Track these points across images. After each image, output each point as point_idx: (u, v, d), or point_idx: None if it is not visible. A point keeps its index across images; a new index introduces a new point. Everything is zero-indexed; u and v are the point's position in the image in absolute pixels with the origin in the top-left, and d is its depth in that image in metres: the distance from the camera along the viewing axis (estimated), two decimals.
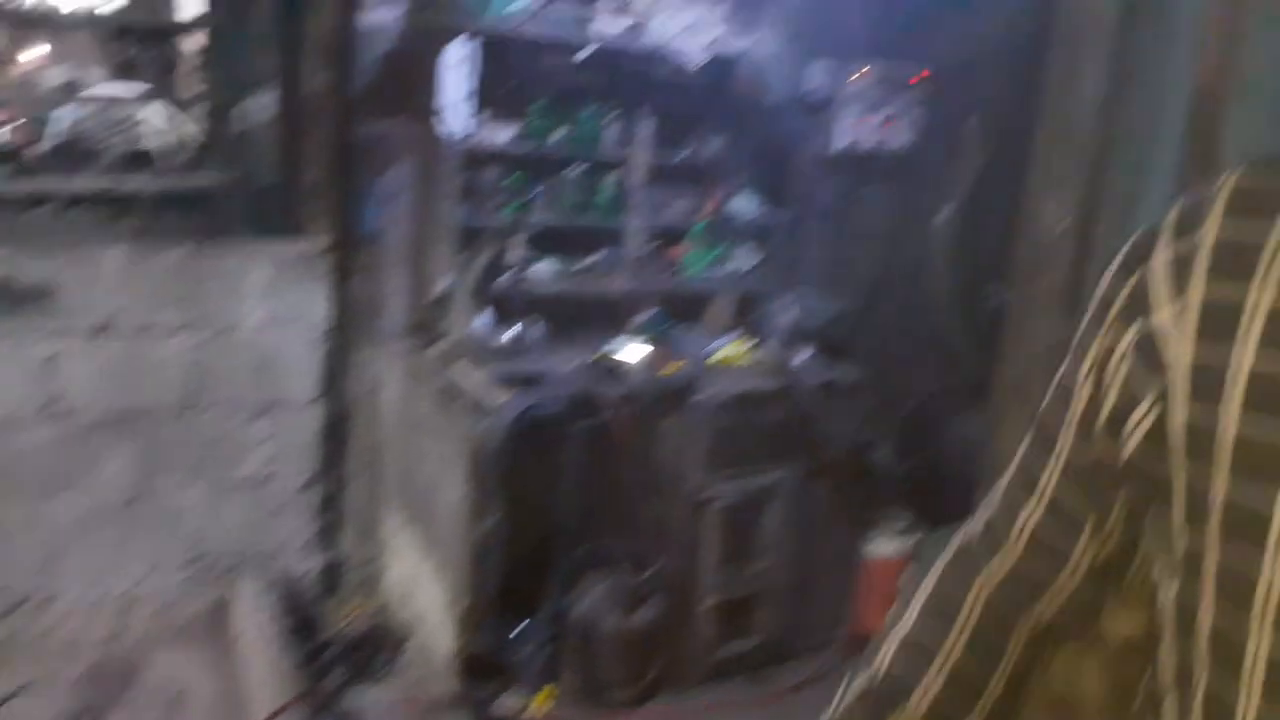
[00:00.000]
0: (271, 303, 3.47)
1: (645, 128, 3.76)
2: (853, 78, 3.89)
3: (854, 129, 3.95)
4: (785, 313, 3.56)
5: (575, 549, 3.24)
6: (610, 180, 3.85)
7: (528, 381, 3.23)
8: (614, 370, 3.37)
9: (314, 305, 3.52)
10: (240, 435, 3.48)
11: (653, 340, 3.72)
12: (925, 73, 4.05)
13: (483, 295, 3.50)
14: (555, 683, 3.39)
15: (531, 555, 3.31)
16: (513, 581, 3.25)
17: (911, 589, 1.02)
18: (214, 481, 3.48)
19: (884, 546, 3.75)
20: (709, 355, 3.68)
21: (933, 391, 4.24)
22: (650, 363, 3.47)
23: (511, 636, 3.28)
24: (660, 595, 3.40)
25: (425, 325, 3.74)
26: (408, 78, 3.55)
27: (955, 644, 0.87)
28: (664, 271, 3.94)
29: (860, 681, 0.91)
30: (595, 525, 3.39)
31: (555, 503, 3.19)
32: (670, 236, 3.99)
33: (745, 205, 3.94)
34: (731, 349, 3.66)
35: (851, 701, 0.91)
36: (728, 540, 3.46)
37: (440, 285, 3.65)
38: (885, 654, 0.91)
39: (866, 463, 3.74)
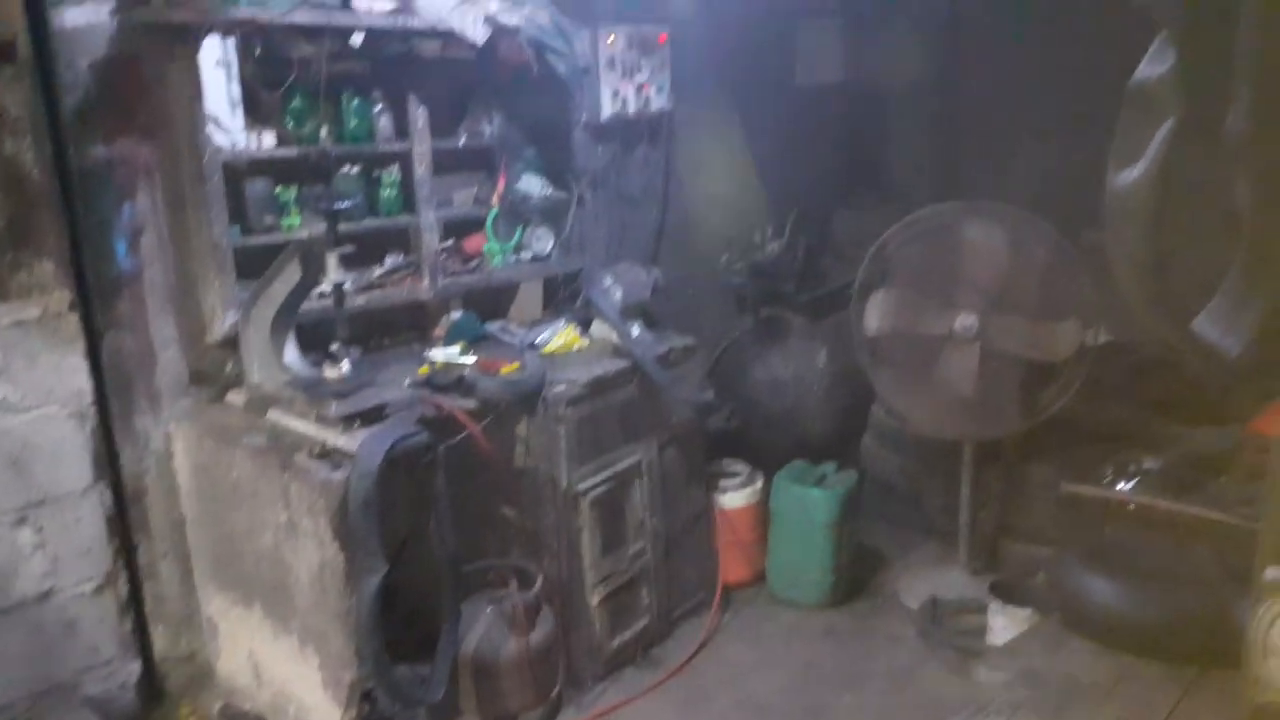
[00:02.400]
0: (4, 386, 2.58)
1: (420, 115, 3.21)
2: (607, 42, 3.61)
3: (618, 93, 3.69)
4: (609, 291, 3.22)
5: (458, 580, 2.75)
6: (391, 176, 3.26)
7: (371, 416, 2.66)
8: (457, 382, 2.87)
9: (63, 377, 2.68)
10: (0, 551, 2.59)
11: (470, 343, 3.26)
12: (664, 34, 3.86)
13: (285, 326, 2.83)
14: None
15: (410, 593, 2.78)
16: (395, 628, 2.71)
17: None
18: None
19: (733, 498, 3.62)
20: (540, 347, 3.27)
21: (734, 338, 4.16)
22: (485, 366, 3.01)
23: (403, 692, 2.73)
24: (550, 605, 3.02)
25: (212, 373, 2.99)
26: (137, 86, 2.74)
27: None
28: (464, 266, 3.44)
29: None
30: (471, 545, 2.92)
31: (429, 535, 2.67)
32: (464, 229, 3.49)
33: (532, 185, 3.54)
34: (562, 337, 3.29)
35: None
36: (603, 531, 3.14)
37: (225, 322, 2.91)
38: None
39: (705, 422, 3.56)
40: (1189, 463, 3.13)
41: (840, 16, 4.59)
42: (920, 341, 3.34)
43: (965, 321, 3.26)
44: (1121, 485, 3.01)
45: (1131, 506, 2.88)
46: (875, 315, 3.40)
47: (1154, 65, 1.61)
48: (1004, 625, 3.05)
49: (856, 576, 3.70)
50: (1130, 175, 1.70)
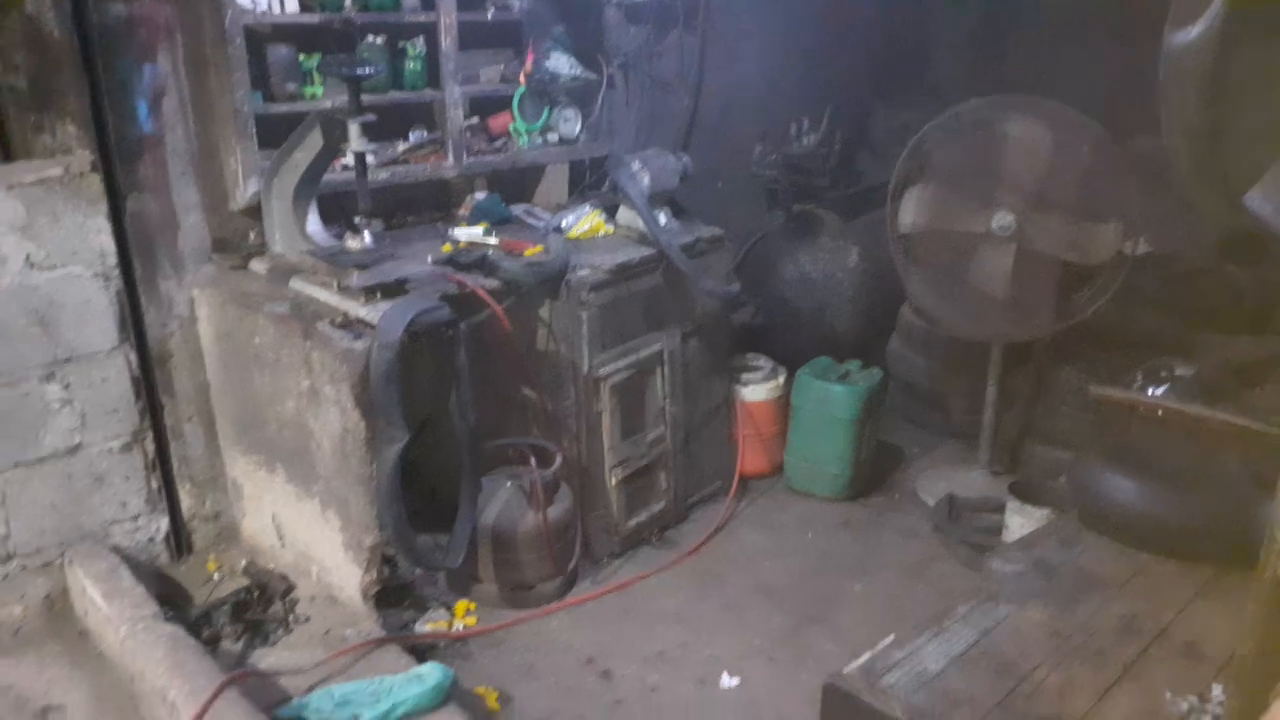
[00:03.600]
0: (29, 244, 2.56)
1: None
2: None
3: None
4: (636, 177, 3.13)
5: (478, 454, 2.76)
6: (416, 48, 3.15)
7: (392, 289, 2.63)
8: (480, 261, 2.83)
9: (87, 237, 2.67)
10: (28, 405, 2.62)
11: (494, 224, 3.20)
12: None
13: (307, 195, 2.78)
14: (470, 592, 2.97)
15: (433, 469, 2.81)
16: (416, 500, 2.74)
17: None
18: (7, 465, 2.62)
19: (755, 391, 3.59)
20: (565, 231, 3.21)
21: (764, 233, 4.07)
22: (509, 248, 2.96)
23: (423, 557, 2.78)
24: (568, 484, 3.03)
25: (235, 241, 2.97)
26: None
27: None
28: (490, 143, 3.35)
29: None
30: (492, 424, 2.93)
31: (450, 411, 2.67)
32: (489, 107, 3.39)
33: (561, 64, 3.41)
34: (587, 222, 3.22)
35: None
36: (623, 416, 3.13)
37: (247, 190, 2.87)
38: None
39: (730, 316, 3.51)
40: (1224, 371, 3.04)
41: None
42: (955, 240, 3.23)
43: (1003, 220, 3.15)
44: (1152, 391, 2.93)
45: (1160, 412, 2.81)
46: (910, 212, 3.29)
47: None
48: (1021, 524, 3.03)
49: (875, 473, 3.69)
50: (1188, 35, 1.58)
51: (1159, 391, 2.90)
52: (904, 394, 3.95)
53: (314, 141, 2.71)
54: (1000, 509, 3.16)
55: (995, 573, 2.38)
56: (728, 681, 2.70)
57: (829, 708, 2.01)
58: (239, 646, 2.64)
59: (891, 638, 2.12)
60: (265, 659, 2.59)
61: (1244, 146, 1.61)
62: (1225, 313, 3.37)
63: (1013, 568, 2.36)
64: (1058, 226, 3.11)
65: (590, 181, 3.60)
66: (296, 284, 2.81)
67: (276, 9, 2.89)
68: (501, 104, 3.45)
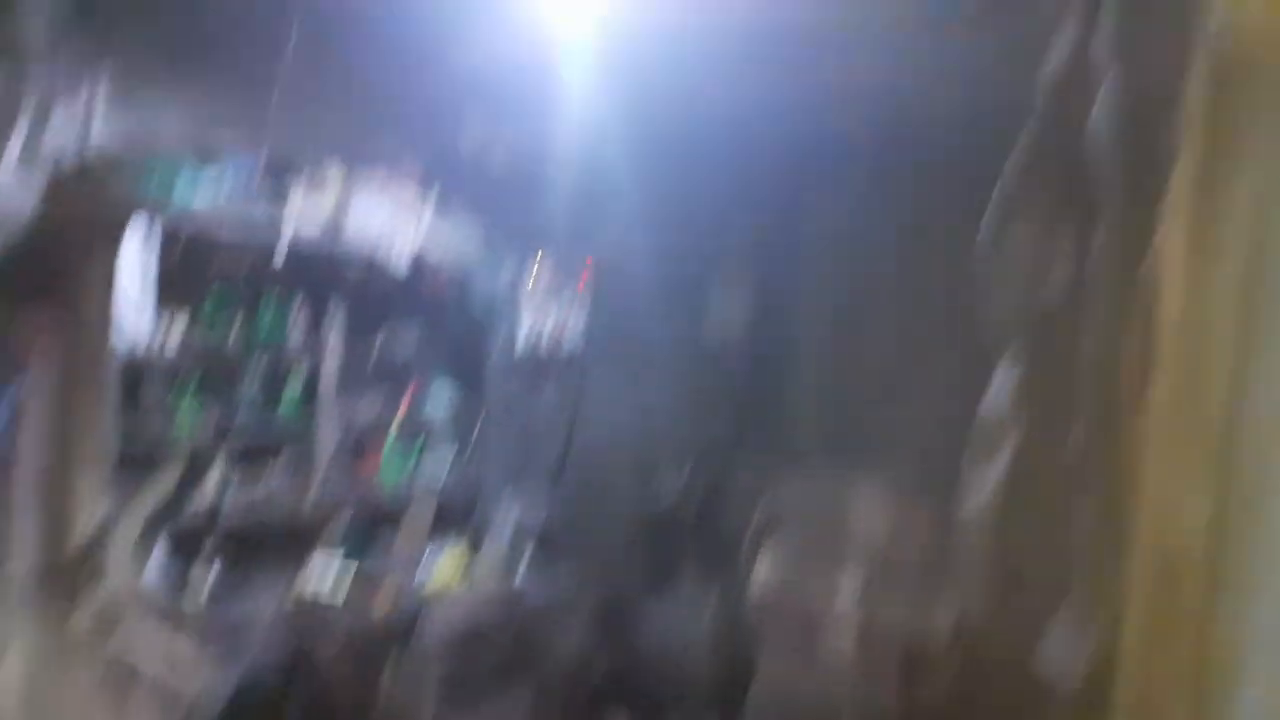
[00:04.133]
0: None
1: (337, 324, 3.24)
2: (532, 274, 3.77)
3: (535, 323, 3.81)
4: (503, 518, 3.17)
5: None
6: (297, 380, 3.24)
7: (225, 641, 2.50)
8: (323, 615, 2.74)
9: None
10: None
11: (354, 563, 3.14)
12: (587, 271, 4.05)
13: (155, 533, 2.70)
14: None
15: None
16: None
17: None
18: None
19: None
20: (425, 573, 3.16)
21: (623, 584, 4.08)
22: (359, 596, 2.89)
23: None
24: None
25: (70, 576, 2.79)
26: (51, 270, 2.72)
27: None
28: (360, 479, 3.37)
29: None
30: None
31: None
32: (364, 439, 3.44)
33: (440, 402, 3.55)
34: (447, 566, 3.19)
35: None
36: None
37: (92, 522, 2.75)
38: None
39: (591, 670, 3.42)
40: None
41: (753, 275, 4.85)
42: (802, 607, 3.31)
43: (848, 588, 3.27)
44: None
45: None
46: (762, 572, 3.39)
47: (998, 392, 1.73)
48: None
49: None
50: (976, 499, 1.78)
51: None
52: None
53: (173, 477, 2.67)
54: None
55: None
56: None
57: None
58: None
59: None
60: None
61: (1035, 600, 1.76)
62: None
63: None
64: (901, 598, 3.23)
65: (456, 520, 3.60)
66: (125, 626, 2.62)
67: (159, 340, 2.94)
68: (376, 439, 3.50)
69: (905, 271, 3.83)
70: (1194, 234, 1.12)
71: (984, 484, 1.72)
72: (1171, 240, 1.15)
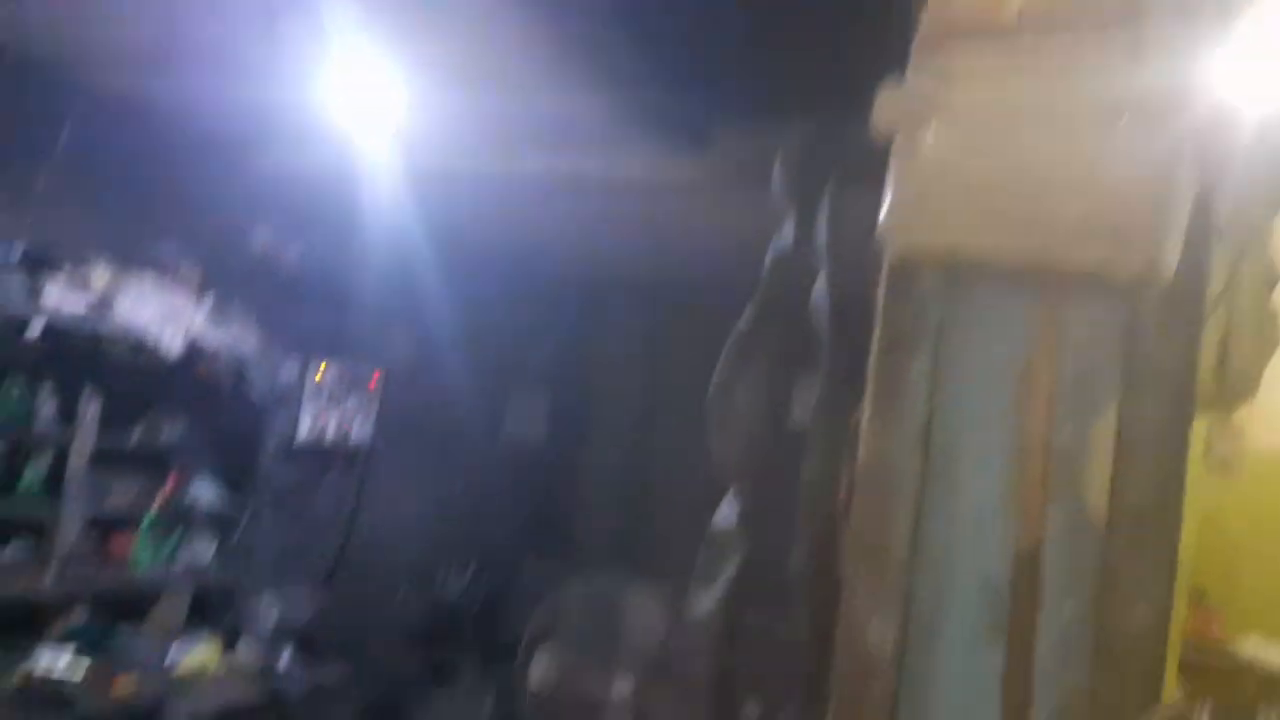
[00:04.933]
0: None
1: (91, 406, 3.08)
2: (318, 374, 3.76)
3: (317, 422, 3.78)
4: (265, 610, 3.06)
5: None
6: (40, 462, 3.03)
7: None
8: (54, 696, 2.55)
9: None
10: None
11: (88, 649, 2.93)
12: (377, 374, 4.08)
13: None
14: None
15: None
16: None
17: None
18: None
19: None
20: (173, 665, 2.99)
21: (399, 678, 4.01)
22: (93, 679, 2.70)
23: None
24: None
25: None
26: None
27: None
28: (105, 565, 3.17)
29: None
30: None
31: None
32: (115, 525, 3.24)
33: (205, 492, 3.41)
34: (201, 655, 3.04)
35: None
36: None
37: None
38: None
39: None
40: None
41: (544, 391, 4.99)
42: (579, 703, 3.37)
43: (622, 689, 3.36)
44: None
45: None
46: (540, 670, 3.42)
47: (726, 514, 1.93)
48: None
49: None
50: (704, 603, 1.95)
51: None
52: None
53: None
54: None
55: None
56: None
57: None
58: None
59: None
60: None
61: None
62: None
63: None
64: (674, 698, 3.35)
65: (214, 609, 3.42)
66: None
67: None
68: (129, 524, 3.29)
69: (678, 397, 4.10)
70: (883, 396, 1.35)
71: (710, 594, 1.88)
72: (868, 398, 1.36)
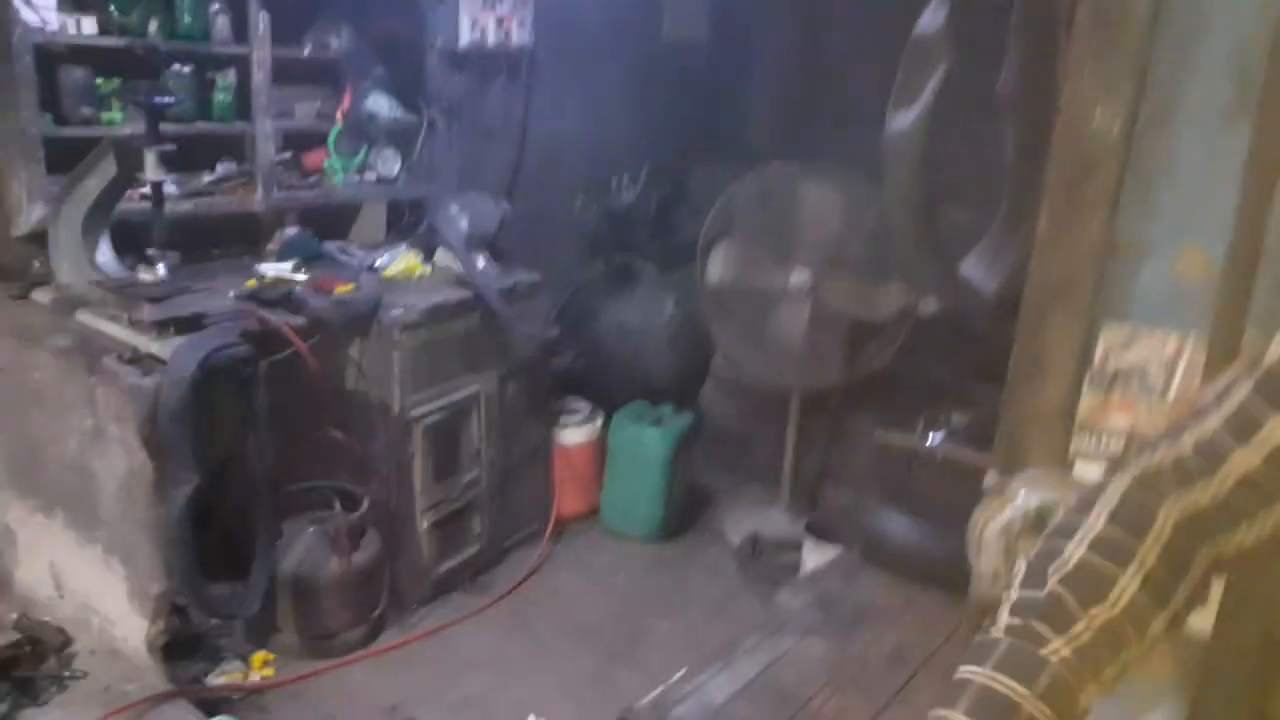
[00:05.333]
0: None
1: (262, 19, 3.08)
2: None
3: (477, 24, 3.64)
4: (455, 220, 3.20)
5: (277, 498, 2.72)
6: (226, 80, 3.11)
7: (187, 323, 2.58)
8: (285, 298, 2.81)
9: None
10: None
11: (305, 261, 3.18)
12: None
13: (99, 224, 2.69)
14: (268, 642, 2.89)
15: (227, 510, 2.73)
16: (213, 547, 2.67)
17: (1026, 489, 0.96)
18: None
19: (572, 434, 3.69)
20: (380, 270, 3.23)
21: (585, 282, 4.21)
22: (318, 285, 2.95)
23: (215, 605, 2.69)
24: (376, 528, 3.02)
25: (16, 269, 2.83)
26: None
27: (1149, 552, 0.86)
28: (303, 182, 3.34)
29: (1051, 572, 0.87)
30: (296, 466, 2.88)
31: (248, 452, 2.62)
32: (304, 142, 3.38)
33: (380, 105, 3.45)
34: (403, 262, 3.25)
35: (1054, 590, 0.86)
36: (436, 458, 3.15)
37: (32, 216, 2.75)
38: (1074, 550, 0.87)
39: (549, 360, 3.60)
40: (995, 419, 3.38)
41: None
42: (757, 294, 3.47)
43: (799, 278, 3.41)
44: (931, 436, 3.23)
45: (938, 456, 3.10)
46: (718, 267, 3.51)
47: (932, 16, 1.74)
48: (817, 562, 3.25)
49: (687, 513, 3.85)
50: (905, 119, 1.83)
51: (937, 437, 3.20)
52: (715, 438, 4.15)
53: (107, 169, 2.62)
54: (799, 547, 3.37)
55: (782, 606, 2.55)
56: None
57: None
58: (4, 707, 2.46)
59: (683, 671, 2.24)
60: None
61: (956, 220, 1.85)
62: (999, 366, 3.74)
63: (797, 601, 2.54)
64: (848, 285, 3.39)
65: (408, 222, 3.62)
66: (83, 317, 2.69)
67: (72, 29, 2.79)
68: (317, 140, 3.44)
69: None
70: None
71: (917, 99, 1.76)
72: None
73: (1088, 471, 1.06)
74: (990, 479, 1.05)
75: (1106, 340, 1.07)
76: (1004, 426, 1.19)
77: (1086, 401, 1.08)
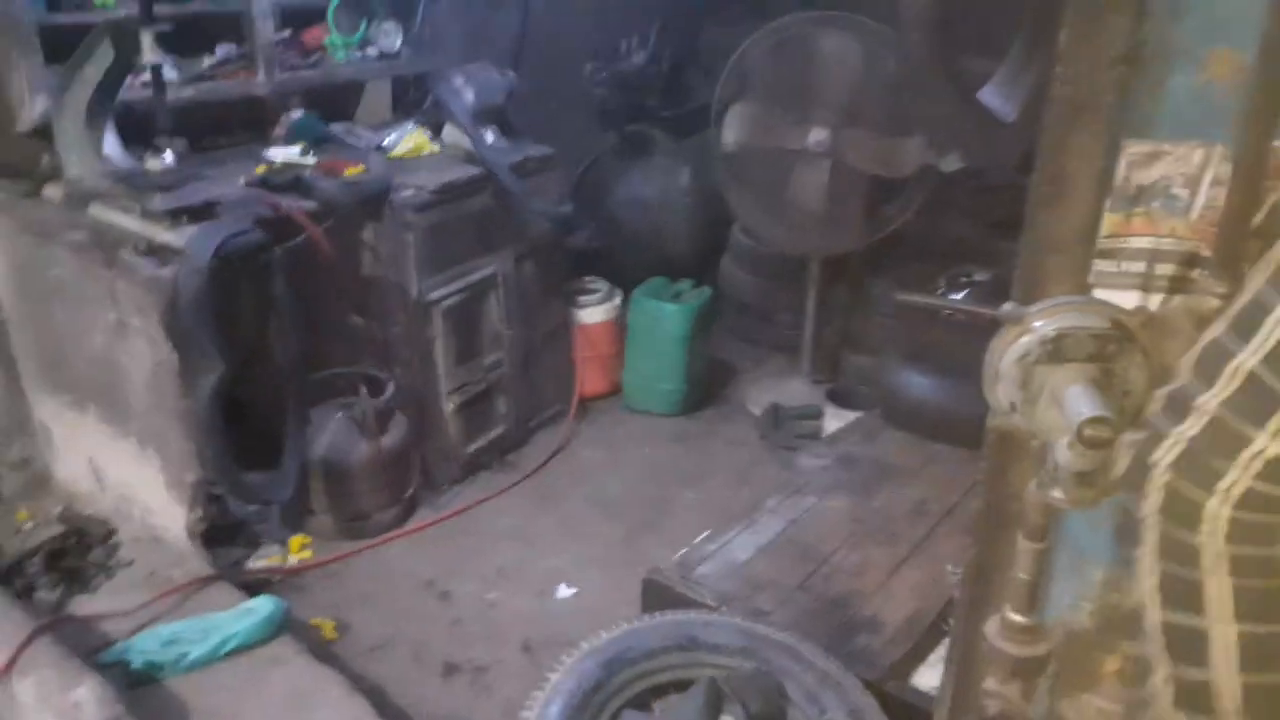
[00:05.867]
0: None
1: None
2: None
3: None
4: (460, 93, 3.12)
5: (303, 384, 2.75)
6: None
7: (200, 212, 2.56)
8: (295, 182, 2.78)
9: None
10: None
11: (313, 144, 3.14)
12: None
13: (102, 114, 2.65)
14: (305, 526, 2.98)
15: (256, 401, 2.78)
16: (240, 433, 2.72)
17: None
18: None
19: (592, 313, 3.69)
20: (388, 150, 3.18)
21: (598, 154, 4.13)
22: (327, 168, 2.91)
23: (250, 492, 2.77)
24: (403, 411, 3.06)
25: (25, 166, 2.80)
26: None
27: None
28: (305, 62, 3.26)
29: None
30: (320, 354, 2.91)
31: (271, 340, 2.64)
32: (302, 18, 3.28)
33: None
34: (411, 140, 3.20)
35: None
36: (458, 340, 3.17)
37: (35, 110, 2.71)
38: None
39: (566, 237, 3.56)
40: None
41: None
42: (775, 156, 3.39)
43: (818, 136, 3.32)
44: (953, 296, 3.19)
45: (958, 315, 3.07)
46: (733, 129, 3.42)
47: None
48: (838, 428, 3.27)
49: (708, 387, 3.88)
50: None
51: (959, 296, 3.17)
52: (735, 311, 4.14)
53: (104, 54, 2.57)
54: (820, 414, 3.39)
55: (803, 468, 2.58)
56: (564, 591, 2.83)
57: (649, 600, 2.17)
58: (56, 595, 2.57)
59: (706, 534, 2.28)
60: (85, 606, 2.54)
61: (973, 46, 1.76)
62: (1020, 222, 3.66)
63: (818, 462, 2.57)
64: (868, 141, 3.30)
65: (414, 98, 3.55)
66: (95, 210, 2.69)
67: None
68: (315, 16, 3.34)
69: None
70: None
71: None
72: None
73: (1108, 299, 1.03)
74: (1007, 308, 1.02)
75: (1129, 157, 1.02)
76: (1024, 255, 1.16)
77: (1107, 224, 1.05)
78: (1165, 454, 0.96)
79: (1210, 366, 0.95)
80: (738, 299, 4.11)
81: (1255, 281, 0.94)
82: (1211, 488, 0.92)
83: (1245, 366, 0.90)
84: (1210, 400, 0.93)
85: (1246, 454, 0.90)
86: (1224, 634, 0.95)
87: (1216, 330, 0.95)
